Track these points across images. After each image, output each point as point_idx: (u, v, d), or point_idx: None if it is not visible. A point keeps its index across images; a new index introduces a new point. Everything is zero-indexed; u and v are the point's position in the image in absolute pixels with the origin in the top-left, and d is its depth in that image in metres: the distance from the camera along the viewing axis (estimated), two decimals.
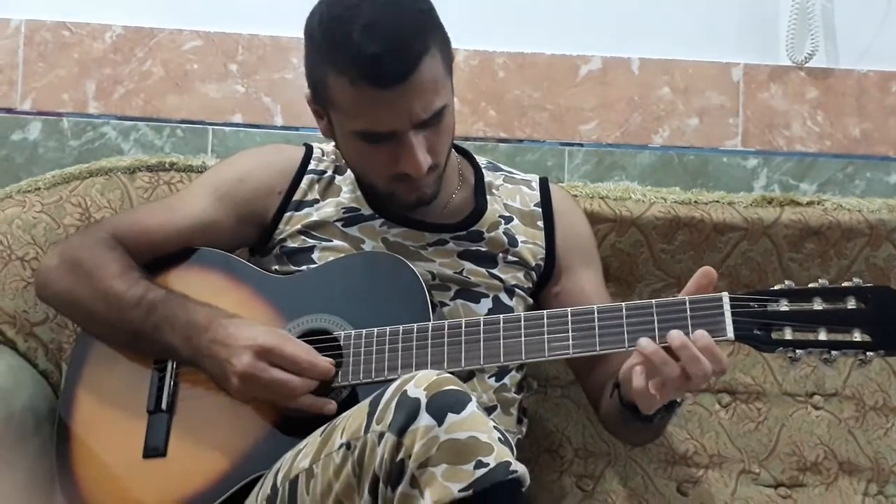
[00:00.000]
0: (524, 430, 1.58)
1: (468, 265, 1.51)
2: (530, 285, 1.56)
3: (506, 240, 1.54)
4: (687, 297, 1.28)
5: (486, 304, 1.50)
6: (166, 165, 1.77)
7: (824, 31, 2.01)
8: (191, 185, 1.63)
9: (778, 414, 1.78)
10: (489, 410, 1.47)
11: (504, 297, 1.52)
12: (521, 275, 1.54)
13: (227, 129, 1.95)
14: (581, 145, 1.99)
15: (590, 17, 2.00)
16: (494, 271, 1.52)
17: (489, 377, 1.49)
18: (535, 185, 1.62)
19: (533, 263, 1.55)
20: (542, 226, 1.58)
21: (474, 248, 1.52)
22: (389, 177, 1.42)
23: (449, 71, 1.41)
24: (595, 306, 1.33)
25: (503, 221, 1.56)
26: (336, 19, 1.35)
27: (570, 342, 1.32)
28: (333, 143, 1.52)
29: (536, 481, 1.70)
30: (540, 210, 1.59)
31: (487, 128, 1.98)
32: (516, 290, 1.53)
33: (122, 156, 1.89)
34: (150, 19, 1.95)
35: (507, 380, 1.51)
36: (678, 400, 1.34)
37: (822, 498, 1.74)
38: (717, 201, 1.79)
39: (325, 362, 1.34)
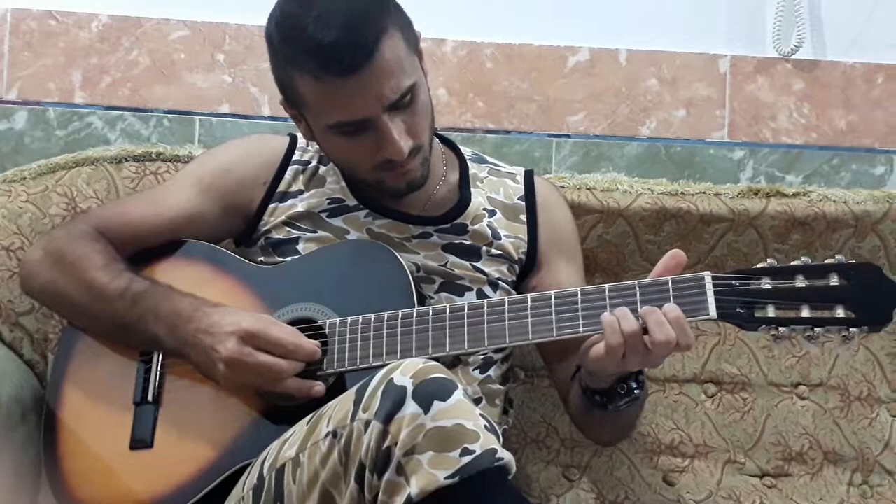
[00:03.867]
0: (510, 420, 1.58)
1: (452, 258, 1.51)
2: (514, 279, 1.55)
3: (489, 233, 1.53)
4: (670, 278, 1.28)
5: (471, 297, 1.50)
6: (153, 155, 1.76)
7: (811, 23, 2.01)
8: (175, 177, 1.62)
9: (763, 404, 1.79)
10: (474, 402, 1.45)
11: (488, 290, 1.51)
12: (504, 268, 1.54)
13: (214, 119, 1.94)
14: (568, 136, 1.99)
15: (578, 8, 2.00)
16: (478, 265, 1.52)
17: (473, 369, 1.49)
18: (520, 178, 1.61)
19: (516, 257, 1.55)
20: (524, 220, 1.57)
21: (458, 241, 1.52)
22: (374, 166, 1.41)
23: (414, 50, 1.40)
24: (578, 288, 1.33)
25: (487, 214, 1.55)
26: (289, 17, 1.35)
27: (554, 325, 1.31)
28: (316, 144, 1.52)
29: (523, 471, 1.71)
30: (523, 203, 1.58)
31: (475, 119, 1.98)
32: (500, 283, 1.53)
33: (108, 146, 1.88)
34: (136, 8, 1.94)
35: (491, 372, 1.51)
36: (636, 389, 1.34)
37: (807, 487, 1.75)
38: (704, 192, 1.80)
39: (310, 344, 1.34)
